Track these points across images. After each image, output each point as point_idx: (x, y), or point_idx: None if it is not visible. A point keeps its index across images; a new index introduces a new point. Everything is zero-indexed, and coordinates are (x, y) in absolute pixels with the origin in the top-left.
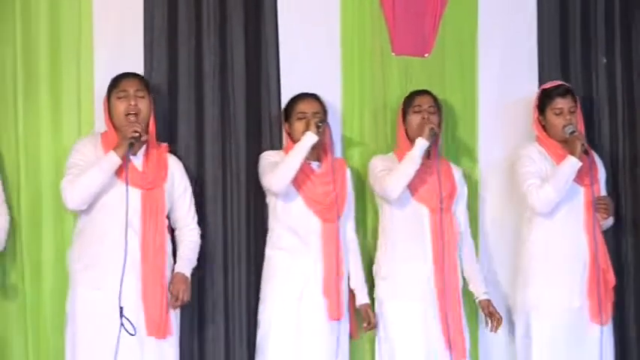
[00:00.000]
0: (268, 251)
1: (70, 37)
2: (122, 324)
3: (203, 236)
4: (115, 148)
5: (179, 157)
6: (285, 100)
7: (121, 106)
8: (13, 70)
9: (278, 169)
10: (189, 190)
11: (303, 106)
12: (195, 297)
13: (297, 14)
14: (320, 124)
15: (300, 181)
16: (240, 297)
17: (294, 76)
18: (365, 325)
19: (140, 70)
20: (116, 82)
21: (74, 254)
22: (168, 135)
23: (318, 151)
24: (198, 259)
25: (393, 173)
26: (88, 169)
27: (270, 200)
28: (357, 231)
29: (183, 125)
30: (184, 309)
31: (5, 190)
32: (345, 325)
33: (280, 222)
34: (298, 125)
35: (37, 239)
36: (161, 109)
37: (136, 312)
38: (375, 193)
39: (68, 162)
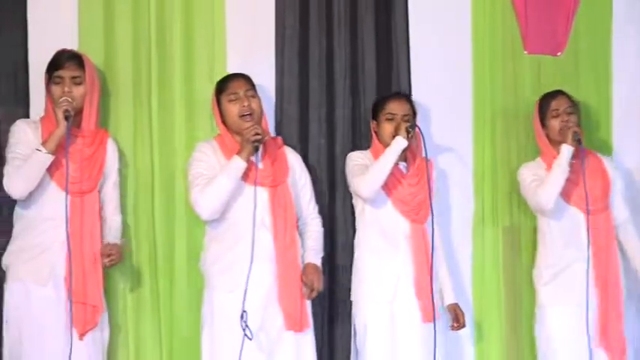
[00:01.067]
0: (357, 253)
1: (203, 38)
2: (244, 328)
3: (333, 233)
4: (238, 153)
5: (309, 158)
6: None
7: (234, 109)
8: (147, 74)
9: (367, 175)
10: (309, 179)
11: (393, 107)
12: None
13: (427, 13)
14: (410, 130)
15: (388, 183)
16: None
17: (425, 76)
18: (455, 324)
19: (272, 70)
20: (224, 85)
21: (209, 258)
22: (299, 135)
23: (406, 152)
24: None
25: (545, 185)
26: (216, 177)
27: (357, 202)
28: None
29: (314, 125)
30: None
31: (123, 189)
32: (440, 326)
33: (368, 224)
34: (386, 126)
35: (170, 239)
36: (293, 109)
37: (273, 308)
38: (529, 204)
39: (191, 172)
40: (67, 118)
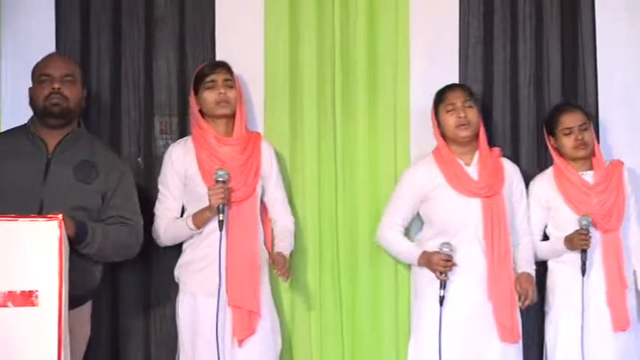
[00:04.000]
0: (551, 264)
1: (387, 46)
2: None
3: None
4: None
5: None
6: (602, 113)
7: (451, 119)
8: (332, 79)
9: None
10: (525, 196)
11: (569, 120)
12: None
13: (616, 19)
14: None
15: (574, 197)
16: None
17: (611, 87)
18: None
19: (455, 78)
20: (443, 96)
21: (419, 268)
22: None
23: (591, 160)
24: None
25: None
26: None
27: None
28: None
29: (498, 133)
30: None
31: (291, 189)
32: (633, 336)
33: (561, 235)
34: (566, 141)
35: (354, 243)
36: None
37: (486, 318)
38: None
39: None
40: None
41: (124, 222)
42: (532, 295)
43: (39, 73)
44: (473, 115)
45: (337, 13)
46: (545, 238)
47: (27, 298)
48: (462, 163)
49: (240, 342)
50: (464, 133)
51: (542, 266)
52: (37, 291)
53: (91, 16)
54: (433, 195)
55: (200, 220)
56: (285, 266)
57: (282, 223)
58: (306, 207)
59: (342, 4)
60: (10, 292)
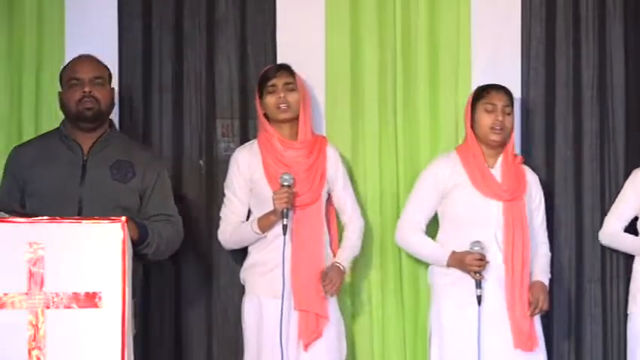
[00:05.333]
0: (636, 266)
1: (448, 46)
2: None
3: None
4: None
5: (555, 170)
6: None
7: (487, 120)
8: (393, 79)
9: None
10: (543, 205)
11: None
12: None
13: None
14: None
15: None
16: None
17: None
18: None
19: (517, 79)
20: (485, 93)
21: (440, 269)
22: (545, 147)
23: None
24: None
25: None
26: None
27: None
28: None
29: (560, 137)
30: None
31: (359, 193)
32: None
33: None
34: None
35: None
36: (539, 120)
37: (502, 323)
38: None
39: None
40: (283, 212)
41: (169, 219)
42: (542, 304)
43: (68, 77)
44: (509, 122)
45: (398, 13)
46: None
47: (91, 300)
48: (487, 165)
49: (306, 346)
50: (495, 138)
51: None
52: (100, 292)
53: (153, 17)
54: (454, 193)
55: (265, 224)
56: (332, 281)
57: (352, 226)
58: (368, 209)
59: (404, 4)
60: (74, 294)
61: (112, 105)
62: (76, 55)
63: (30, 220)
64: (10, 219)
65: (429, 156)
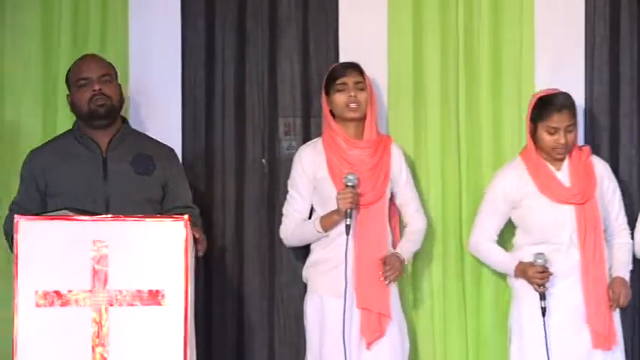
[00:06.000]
0: None
1: (511, 47)
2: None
3: None
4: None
5: (620, 168)
6: None
7: (550, 140)
8: (455, 80)
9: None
10: (618, 191)
11: None
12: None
13: None
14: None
15: None
16: None
17: None
18: None
19: (581, 79)
20: (544, 114)
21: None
22: (609, 145)
23: None
24: None
25: None
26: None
27: None
28: None
29: (624, 135)
30: None
31: (422, 192)
32: None
33: None
34: None
35: None
36: (603, 118)
37: (582, 324)
38: None
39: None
40: (347, 212)
41: (192, 211)
42: (623, 300)
43: (76, 79)
44: (572, 139)
45: (461, 14)
46: None
47: (154, 298)
48: (552, 168)
49: (369, 344)
50: (558, 156)
51: None
52: (163, 290)
53: (217, 17)
54: (524, 202)
55: (328, 223)
56: (393, 267)
57: (414, 225)
58: (430, 208)
59: (466, 5)
60: (137, 292)
61: (122, 100)
62: (138, 55)
63: (94, 218)
64: (74, 217)
65: (492, 157)
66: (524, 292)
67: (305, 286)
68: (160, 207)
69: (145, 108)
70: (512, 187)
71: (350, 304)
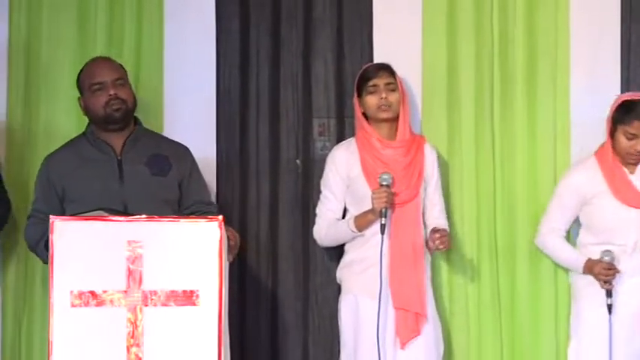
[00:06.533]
0: None
1: (547, 49)
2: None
3: None
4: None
5: None
6: None
7: (627, 145)
8: (490, 82)
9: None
10: None
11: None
12: None
13: None
14: None
15: None
16: None
17: None
18: None
19: (617, 82)
20: (625, 117)
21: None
22: None
23: None
24: None
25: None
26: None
27: None
28: None
29: None
30: None
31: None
32: None
33: None
34: None
35: (512, 246)
36: None
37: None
38: None
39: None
40: (382, 211)
41: (209, 207)
42: None
43: (90, 83)
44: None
45: (496, 16)
46: None
47: (188, 298)
48: (626, 171)
49: (404, 344)
50: (631, 161)
51: None
52: (198, 291)
53: (251, 19)
54: (594, 201)
55: (362, 222)
56: (444, 236)
57: (439, 225)
58: (464, 212)
59: (501, 7)
60: (172, 292)
61: (136, 102)
62: (173, 58)
63: (129, 218)
64: (109, 217)
65: (526, 157)
66: (587, 290)
67: (339, 287)
68: (178, 207)
69: (181, 110)
70: (584, 184)
71: (384, 303)
